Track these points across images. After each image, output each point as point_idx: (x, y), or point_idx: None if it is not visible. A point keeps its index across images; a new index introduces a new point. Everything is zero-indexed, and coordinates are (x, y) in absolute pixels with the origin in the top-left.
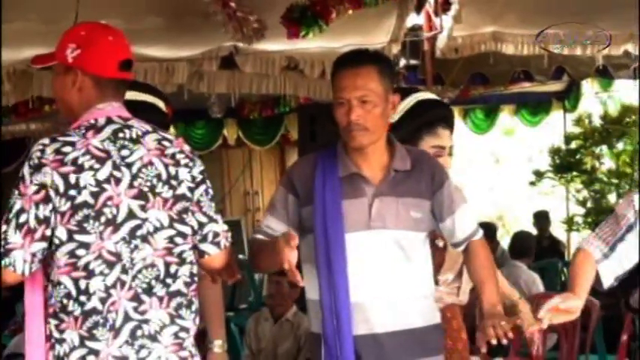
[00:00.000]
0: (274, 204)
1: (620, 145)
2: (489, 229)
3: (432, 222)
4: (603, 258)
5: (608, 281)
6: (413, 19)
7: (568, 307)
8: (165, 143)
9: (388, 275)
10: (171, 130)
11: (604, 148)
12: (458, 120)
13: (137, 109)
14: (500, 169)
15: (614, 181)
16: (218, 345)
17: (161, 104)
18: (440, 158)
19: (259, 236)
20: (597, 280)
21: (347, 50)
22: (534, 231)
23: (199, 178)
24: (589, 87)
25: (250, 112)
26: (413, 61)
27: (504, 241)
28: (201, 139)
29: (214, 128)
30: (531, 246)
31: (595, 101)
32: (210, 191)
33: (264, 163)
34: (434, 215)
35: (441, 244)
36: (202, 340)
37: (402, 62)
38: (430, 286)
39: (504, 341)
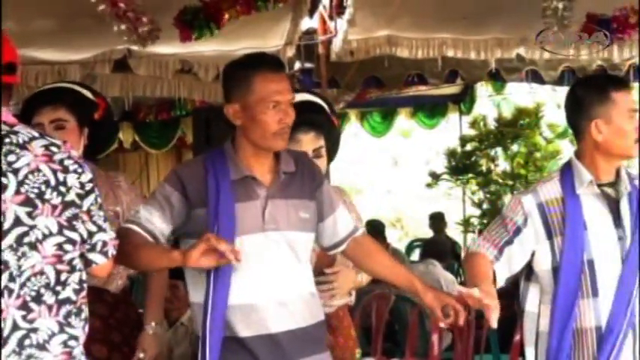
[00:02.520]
0: (158, 200)
1: (514, 147)
2: (378, 227)
3: (316, 223)
4: (494, 260)
5: (499, 283)
6: (307, 23)
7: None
8: (53, 149)
9: (282, 276)
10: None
11: (499, 150)
12: (355, 123)
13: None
14: (398, 172)
15: (509, 182)
16: (151, 327)
17: (88, 93)
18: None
19: (136, 229)
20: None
21: (246, 53)
22: (430, 233)
23: (89, 186)
24: (484, 90)
25: (146, 116)
26: (308, 65)
27: (403, 243)
28: None
29: (112, 136)
30: (446, 250)
31: (490, 104)
32: (99, 199)
33: (161, 167)
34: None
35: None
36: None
37: (297, 65)
38: (314, 285)
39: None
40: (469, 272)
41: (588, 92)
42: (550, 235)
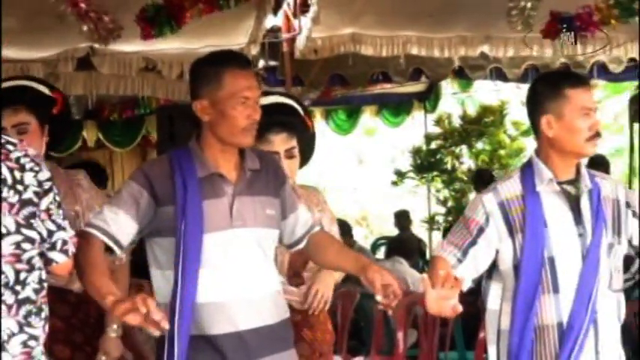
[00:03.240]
0: (124, 199)
1: (479, 145)
2: (344, 226)
3: (280, 220)
4: (458, 263)
5: (465, 285)
6: (271, 21)
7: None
8: (9, 147)
9: (249, 273)
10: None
11: (463, 147)
12: (320, 121)
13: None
14: (364, 170)
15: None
16: (113, 329)
17: (45, 89)
18: (286, 161)
19: (97, 234)
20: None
21: (213, 51)
22: (395, 231)
23: (47, 185)
24: (449, 88)
25: (110, 114)
26: (272, 63)
27: (368, 241)
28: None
29: (73, 130)
30: (412, 248)
31: (454, 102)
32: (58, 198)
33: (126, 165)
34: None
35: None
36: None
37: (261, 63)
38: (279, 282)
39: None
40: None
41: (543, 88)
42: (511, 233)
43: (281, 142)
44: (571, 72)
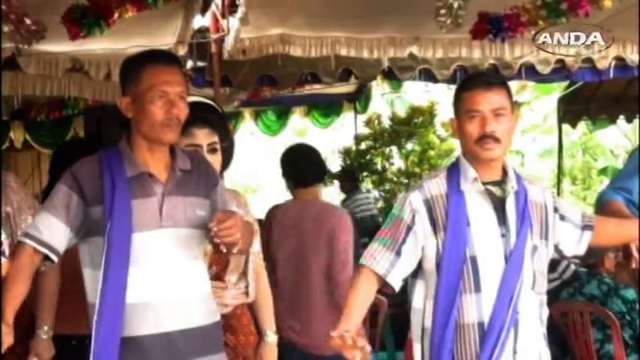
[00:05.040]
0: (54, 204)
1: (409, 146)
2: None
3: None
4: (391, 268)
5: (398, 285)
6: (199, 21)
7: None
8: None
9: (179, 274)
10: None
11: (393, 148)
12: (249, 122)
13: None
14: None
15: (404, 180)
16: (44, 331)
17: None
18: (209, 155)
19: (31, 244)
20: (388, 285)
21: (138, 51)
22: None
23: None
24: (379, 89)
25: (37, 115)
26: (200, 63)
27: None
28: None
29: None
30: None
31: (385, 103)
32: None
33: None
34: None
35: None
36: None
37: (189, 64)
38: (209, 285)
39: None
40: (350, 291)
41: (457, 90)
42: (435, 231)
43: (204, 136)
44: (483, 73)
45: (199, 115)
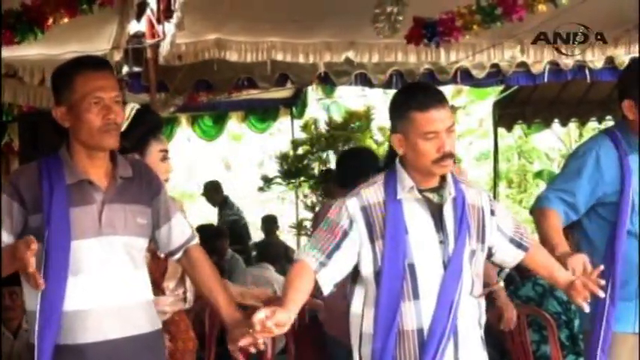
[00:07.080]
0: None
1: None
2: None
3: (152, 229)
4: (321, 267)
5: (327, 289)
6: (135, 26)
7: (277, 321)
8: None
9: (119, 281)
10: None
11: (330, 153)
12: (186, 127)
13: None
14: (231, 176)
15: None
16: None
17: None
18: (166, 161)
19: None
20: (317, 287)
21: (70, 58)
22: (262, 235)
23: None
24: (315, 94)
25: None
26: (136, 69)
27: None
28: None
29: None
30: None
31: (321, 108)
32: None
33: None
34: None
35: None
36: None
37: (125, 69)
38: (151, 292)
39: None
40: (285, 281)
41: (393, 107)
42: (372, 239)
43: (166, 143)
44: (424, 88)
45: (160, 121)
